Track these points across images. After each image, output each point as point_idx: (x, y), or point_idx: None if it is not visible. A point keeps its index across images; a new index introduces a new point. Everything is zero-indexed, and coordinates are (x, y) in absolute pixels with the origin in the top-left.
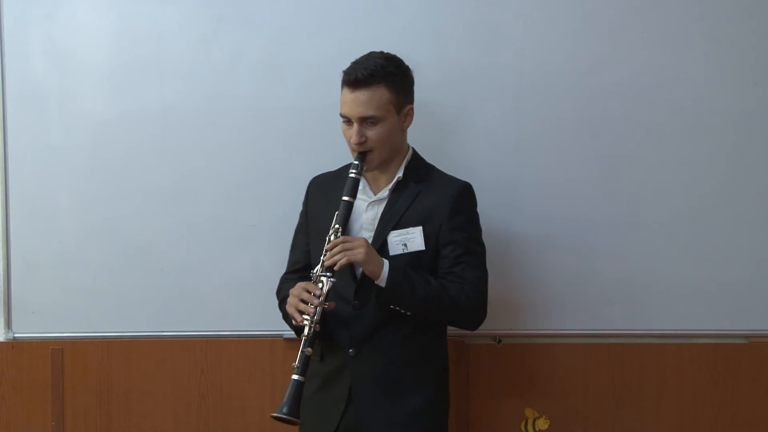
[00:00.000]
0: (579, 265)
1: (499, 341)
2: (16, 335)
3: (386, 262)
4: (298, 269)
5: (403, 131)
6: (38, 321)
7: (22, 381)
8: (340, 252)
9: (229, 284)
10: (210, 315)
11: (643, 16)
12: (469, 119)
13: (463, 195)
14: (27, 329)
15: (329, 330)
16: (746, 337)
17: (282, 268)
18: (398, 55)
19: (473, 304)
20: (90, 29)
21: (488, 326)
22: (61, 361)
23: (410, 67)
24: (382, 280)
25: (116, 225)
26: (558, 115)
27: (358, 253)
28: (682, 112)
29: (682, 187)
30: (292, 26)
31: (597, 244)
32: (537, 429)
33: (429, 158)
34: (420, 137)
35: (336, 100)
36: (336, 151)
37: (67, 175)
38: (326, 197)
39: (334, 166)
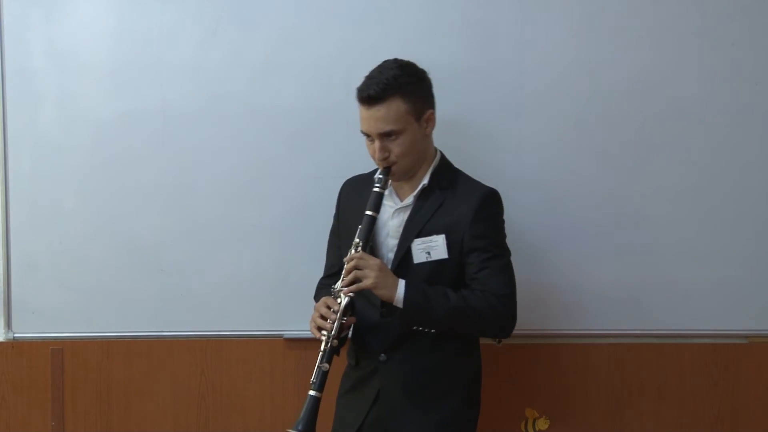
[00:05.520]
0: (579, 265)
1: (499, 341)
2: (16, 335)
3: (401, 284)
4: (334, 273)
5: (427, 137)
6: (38, 321)
7: (22, 381)
8: (352, 274)
9: (229, 284)
10: (210, 315)
11: (643, 16)
12: (468, 119)
13: (486, 201)
14: (27, 329)
15: (363, 335)
16: (746, 337)
17: (282, 268)
18: (399, 57)
19: (499, 312)
20: (90, 29)
21: None
22: (61, 361)
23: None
24: (398, 302)
25: (116, 225)
26: (558, 115)
27: (368, 279)
28: (682, 112)
29: (682, 186)
30: (292, 26)
31: (597, 244)
32: (537, 429)
33: None
34: None
35: (336, 100)
36: (336, 151)
37: (67, 175)
38: (357, 202)
39: (333, 166)
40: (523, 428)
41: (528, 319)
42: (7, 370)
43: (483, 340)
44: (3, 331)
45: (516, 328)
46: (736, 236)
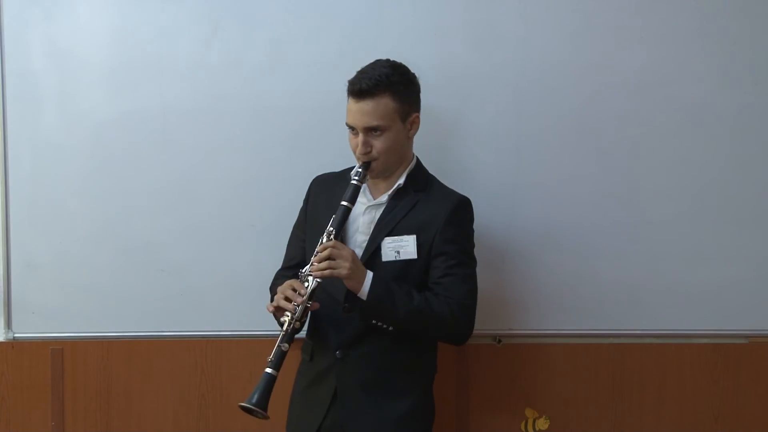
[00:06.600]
0: (579, 265)
1: (499, 341)
2: (16, 335)
3: (369, 277)
4: (293, 265)
5: (409, 139)
6: (38, 321)
7: (22, 381)
8: (326, 261)
9: (229, 284)
10: (210, 315)
11: (643, 16)
12: (469, 119)
13: (460, 208)
14: (27, 329)
15: (320, 330)
16: (746, 337)
17: None
18: (399, 57)
19: (458, 320)
20: (90, 29)
21: (488, 326)
22: (61, 361)
23: (410, 68)
24: (362, 294)
25: (116, 225)
26: (558, 115)
27: (342, 268)
28: (681, 111)
29: (682, 186)
30: (292, 26)
31: (597, 244)
32: (537, 429)
33: (429, 159)
34: (420, 138)
35: (336, 100)
36: (336, 151)
37: (67, 175)
38: (327, 197)
39: (333, 166)
40: (523, 428)
41: (528, 319)
42: (7, 370)
43: (483, 340)
44: (3, 331)
45: (516, 328)
46: (736, 236)
